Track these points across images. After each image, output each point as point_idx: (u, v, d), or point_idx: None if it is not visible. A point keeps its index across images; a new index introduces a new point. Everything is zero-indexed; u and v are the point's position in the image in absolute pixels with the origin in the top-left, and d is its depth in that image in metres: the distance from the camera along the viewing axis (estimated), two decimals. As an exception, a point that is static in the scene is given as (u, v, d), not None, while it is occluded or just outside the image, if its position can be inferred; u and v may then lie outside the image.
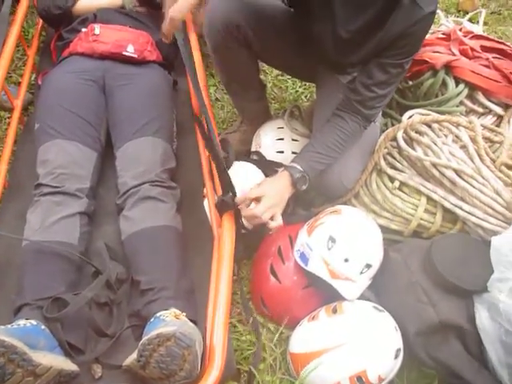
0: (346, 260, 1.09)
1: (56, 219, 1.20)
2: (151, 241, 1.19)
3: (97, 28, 1.54)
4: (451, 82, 1.43)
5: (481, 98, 1.46)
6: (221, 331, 0.93)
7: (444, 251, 1.04)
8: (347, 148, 1.24)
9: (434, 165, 1.20)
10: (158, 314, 1.02)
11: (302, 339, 1.08)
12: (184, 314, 1.02)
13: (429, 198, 1.23)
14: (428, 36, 1.59)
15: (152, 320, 1.02)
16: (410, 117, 1.30)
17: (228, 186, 1.14)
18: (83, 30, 1.56)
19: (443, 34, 1.62)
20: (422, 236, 1.26)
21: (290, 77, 2.04)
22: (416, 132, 1.27)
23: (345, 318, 1.05)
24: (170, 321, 0.93)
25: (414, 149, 1.25)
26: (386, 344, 1.02)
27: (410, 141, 1.28)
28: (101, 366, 1.05)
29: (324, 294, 1.18)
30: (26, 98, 1.67)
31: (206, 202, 1.37)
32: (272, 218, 1.13)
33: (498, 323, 0.92)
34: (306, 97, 1.97)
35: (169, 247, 1.19)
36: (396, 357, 1.03)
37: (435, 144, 1.22)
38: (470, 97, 1.47)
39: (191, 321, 1.03)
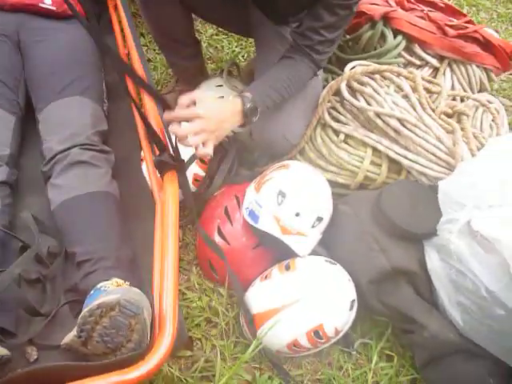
0: (297, 214, 1.05)
1: (-30, 191, 1.05)
2: (84, 208, 1.08)
3: (8, -25, 1.35)
4: (389, 34, 1.42)
5: (418, 50, 1.47)
6: (170, 297, 0.85)
7: (393, 198, 1.04)
8: (295, 91, 1.17)
9: (378, 114, 1.19)
10: (98, 286, 0.93)
11: (255, 300, 1.04)
12: (127, 282, 0.94)
13: (374, 150, 1.22)
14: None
15: (92, 292, 0.93)
16: (352, 68, 1.27)
17: (163, 142, 1.05)
18: (-9, -23, 1.36)
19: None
20: (369, 188, 1.25)
21: (225, 36, 1.96)
22: (358, 83, 1.24)
23: (298, 273, 1.02)
24: (112, 289, 0.85)
25: (357, 100, 1.22)
26: (341, 296, 1.01)
27: (352, 92, 1.25)
28: (36, 348, 0.94)
29: (275, 253, 1.14)
30: None
31: (144, 166, 1.27)
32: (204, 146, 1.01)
33: (449, 264, 0.93)
34: (243, 56, 1.89)
35: (105, 214, 1.09)
36: (351, 308, 1.02)
37: (378, 94, 1.21)
38: (407, 49, 1.48)
39: (136, 289, 0.95)
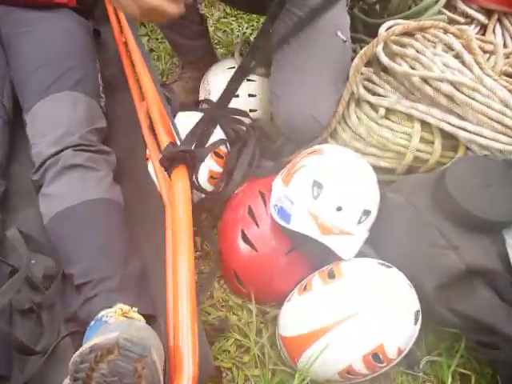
0: (339, 208, 0.85)
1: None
2: (81, 220, 0.90)
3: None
4: (427, -12, 1.20)
5: (461, 5, 1.25)
6: (187, 325, 0.67)
7: (460, 180, 0.82)
8: None
9: (426, 79, 0.97)
10: (99, 315, 0.75)
11: (294, 318, 0.84)
12: (135, 309, 0.75)
13: (423, 124, 1.00)
14: None
15: (92, 324, 0.75)
16: (388, 29, 1.06)
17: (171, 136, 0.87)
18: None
19: None
20: (419, 172, 1.04)
21: (234, 19, 1.77)
22: (398, 45, 1.03)
23: (347, 282, 0.81)
24: (111, 323, 0.66)
25: (398, 64, 1.01)
26: (403, 308, 0.80)
27: (391, 57, 1.04)
28: (32, 393, 0.77)
29: (312, 257, 0.94)
30: None
31: (150, 166, 1.08)
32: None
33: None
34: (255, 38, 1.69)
35: (106, 225, 0.91)
36: (415, 321, 0.82)
37: (424, 55, 0.99)
38: (448, 5, 1.26)
39: (147, 316, 0.77)
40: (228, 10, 1.78)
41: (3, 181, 1.03)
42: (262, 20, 1.74)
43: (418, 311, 0.82)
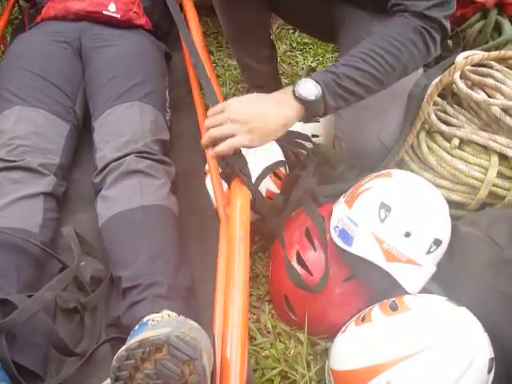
0: (408, 234, 0.78)
1: (10, 200, 0.90)
2: (136, 224, 0.89)
3: (72, -16, 1.27)
4: (507, 23, 1.16)
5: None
6: (238, 339, 0.61)
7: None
8: (398, 63, 0.80)
9: (506, 110, 0.91)
10: (144, 319, 0.71)
11: (349, 350, 0.77)
12: (182, 317, 0.71)
13: (501, 157, 0.93)
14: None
15: (136, 327, 0.71)
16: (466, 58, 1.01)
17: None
18: (58, -11, 1.30)
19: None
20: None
21: (300, 52, 1.79)
22: (476, 74, 0.98)
23: (413, 315, 0.73)
24: (160, 322, 0.62)
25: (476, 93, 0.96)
26: (476, 353, 0.70)
27: (469, 86, 0.99)
28: (65, 397, 0.73)
29: (371, 287, 0.87)
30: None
31: (208, 180, 1.07)
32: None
33: None
34: (319, 71, 1.70)
35: (160, 232, 0.89)
36: (489, 370, 0.71)
37: (505, 85, 0.94)
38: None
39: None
40: (294, 44, 1.81)
41: (65, 182, 1.05)
42: (327, 56, 1.76)
43: (492, 359, 0.72)
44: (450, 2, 0.83)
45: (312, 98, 0.76)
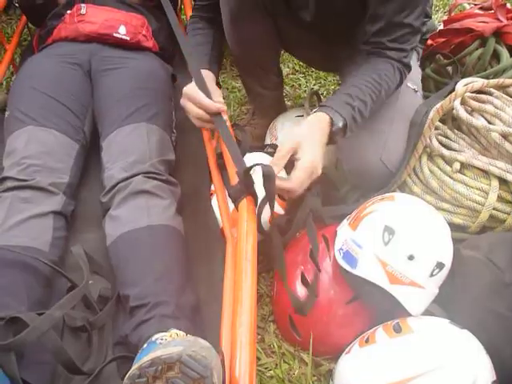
0: (411, 257, 0.80)
1: (21, 219, 0.92)
2: (143, 243, 0.90)
3: (83, 7, 1.31)
4: (504, 51, 1.20)
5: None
6: (246, 358, 0.62)
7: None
8: (382, 98, 0.97)
9: (506, 136, 0.94)
10: (153, 338, 0.72)
11: (353, 372, 0.78)
12: (190, 336, 0.72)
13: (501, 182, 0.96)
14: (467, 10, 1.38)
15: (145, 346, 0.72)
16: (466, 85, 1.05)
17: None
18: (68, 12, 1.34)
19: (481, 8, 1.41)
20: (495, 232, 0.97)
21: (302, 75, 1.83)
22: (476, 101, 1.02)
23: (417, 337, 0.74)
24: (171, 341, 0.63)
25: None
26: (478, 376, 0.72)
27: (469, 112, 1.02)
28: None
29: (374, 309, 0.88)
30: (1, 98, 1.43)
31: (214, 201, 1.09)
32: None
33: None
34: (321, 94, 1.73)
35: (166, 251, 0.91)
36: (492, 392, 0.73)
37: (504, 112, 0.97)
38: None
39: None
40: (297, 67, 1.86)
41: (73, 201, 1.07)
42: (330, 79, 1.80)
43: (494, 382, 0.74)
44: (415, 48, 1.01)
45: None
